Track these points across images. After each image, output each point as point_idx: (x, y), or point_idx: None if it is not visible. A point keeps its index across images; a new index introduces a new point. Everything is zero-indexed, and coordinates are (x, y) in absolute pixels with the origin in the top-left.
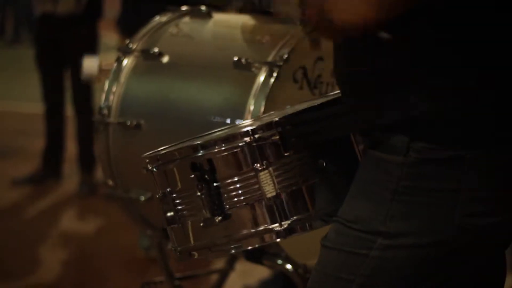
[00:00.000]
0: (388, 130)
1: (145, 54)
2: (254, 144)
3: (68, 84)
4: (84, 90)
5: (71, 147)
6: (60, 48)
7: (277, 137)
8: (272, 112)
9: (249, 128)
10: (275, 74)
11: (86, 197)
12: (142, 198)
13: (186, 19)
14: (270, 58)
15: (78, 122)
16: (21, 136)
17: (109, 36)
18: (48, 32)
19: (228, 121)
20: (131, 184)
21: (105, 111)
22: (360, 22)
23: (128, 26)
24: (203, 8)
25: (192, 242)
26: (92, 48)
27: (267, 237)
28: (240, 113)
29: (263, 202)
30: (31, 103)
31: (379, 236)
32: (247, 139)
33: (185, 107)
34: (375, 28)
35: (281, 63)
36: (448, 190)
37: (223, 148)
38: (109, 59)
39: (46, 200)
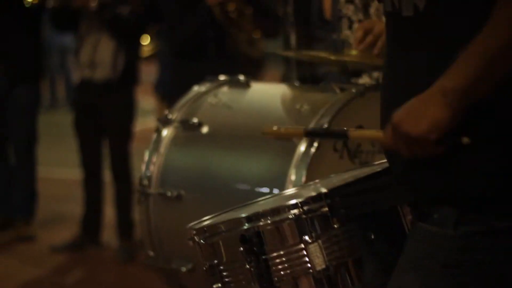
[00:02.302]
0: (436, 202)
1: (185, 124)
2: (304, 216)
3: (106, 150)
4: (122, 156)
5: (109, 213)
6: (98, 114)
7: (326, 209)
8: (317, 181)
9: (297, 201)
10: (315, 144)
11: (125, 263)
12: (184, 269)
13: (225, 88)
14: (310, 128)
15: (116, 188)
16: (60, 202)
17: (146, 100)
18: (86, 98)
19: (269, 190)
20: (172, 255)
21: (146, 182)
22: (436, 128)
23: (166, 91)
24: (241, 77)
25: None
26: (129, 113)
27: None
28: (281, 183)
29: (312, 275)
30: (69, 169)
31: None
32: (296, 211)
33: (226, 177)
34: (451, 133)
35: (322, 133)
36: (501, 262)
37: (272, 221)
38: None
39: (85, 267)
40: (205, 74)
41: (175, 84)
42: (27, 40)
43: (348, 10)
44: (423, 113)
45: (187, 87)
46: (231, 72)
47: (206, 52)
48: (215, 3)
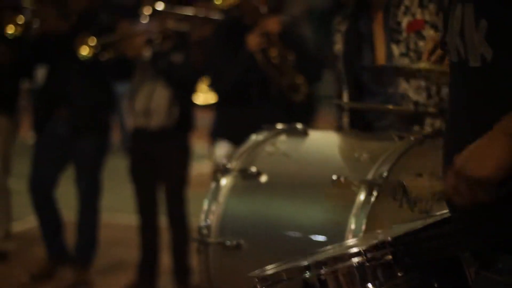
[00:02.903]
0: (500, 250)
1: (243, 173)
2: (367, 264)
3: (162, 196)
4: (178, 202)
5: (165, 259)
6: (154, 161)
7: (390, 256)
8: (378, 231)
9: (361, 248)
10: (375, 193)
11: None
12: None
13: (283, 137)
14: (369, 176)
15: (173, 234)
16: (116, 247)
17: (201, 145)
18: (141, 145)
19: (329, 239)
20: None
21: (205, 231)
22: (500, 169)
23: (221, 136)
24: (298, 126)
25: None
26: (184, 159)
27: None
28: (341, 232)
29: None
30: (125, 214)
31: None
32: (359, 259)
33: (285, 226)
34: None
35: (380, 182)
36: None
37: (334, 269)
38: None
39: None
40: (250, 119)
41: (222, 130)
42: (92, 90)
43: (404, 63)
44: (486, 154)
45: (232, 133)
46: (277, 117)
47: (250, 98)
48: (257, 49)
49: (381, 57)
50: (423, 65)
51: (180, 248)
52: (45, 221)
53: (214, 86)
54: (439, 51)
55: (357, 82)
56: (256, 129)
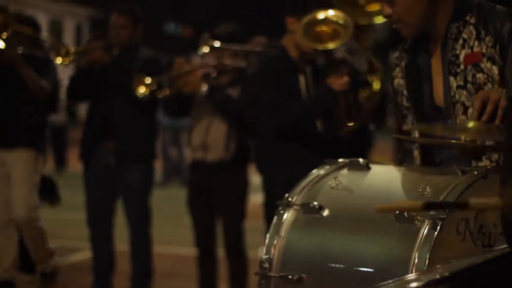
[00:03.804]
0: None
1: (305, 207)
2: None
3: (219, 228)
4: (236, 234)
5: None
6: (211, 193)
7: None
8: (437, 266)
9: (419, 284)
10: (438, 227)
11: None
12: None
13: (344, 171)
14: (433, 211)
15: (231, 266)
16: (174, 279)
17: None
18: (199, 178)
19: (392, 274)
20: None
21: (266, 265)
22: None
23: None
24: (360, 160)
25: None
26: (242, 192)
27: None
28: (404, 267)
29: None
30: (183, 246)
31: None
32: None
33: (347, 260)
34: None
35: (444, 216)
36: None
37: None
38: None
39: None
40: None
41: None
42: (140, 122)
43: (461, 95)
44: None
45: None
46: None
47: (310, 133)
48: (341, 90)
49: (439, 90)
50: (471, 124)
51: (238, 279)
52: (98, 255)
53: (272, 121)
54: (489, 108)
55: (419, 116)
56: (316, 163)
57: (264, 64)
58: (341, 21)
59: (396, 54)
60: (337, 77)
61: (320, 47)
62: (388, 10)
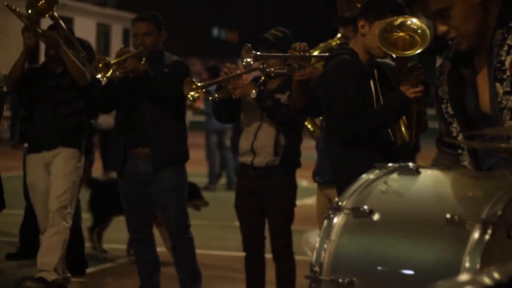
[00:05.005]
0: None
1: (356, 211)
2: None
3: (267, 231)
4: (284, 237)
5: None
6: (259, 197)
7: None
8: (491, 268)
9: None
10: (489, 231)
11: None
12: None
13: (394, 175)
14: (483, 215)
15: (278, 268)
16: (223, 281)
17: (306, 181)
18: (247, 182)
19: (442, 279)
20: None
21: (317, 268)
22: None
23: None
24: (410, 164)
25: None
26: (290, 196)
27: None
28: (455, 271)
29: None
30: (231, 250)
31: None
32: None
33: (397, 264)
34: None
35: (495, 220)
36: None
37: None
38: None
39: None
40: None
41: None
42: (171, 126)
43: (508, 101)
44: None
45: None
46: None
47: (383, 139)
48: (414, 98)
49: (485, 96)
50: None
51: (285, 282)
52: (142, 261)
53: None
54: None
55: (466, 123)
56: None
57: (338, 67)
58: (418, 29)
59: (440, 61)
60: (411, 85)
61: (397, 53)
62: (443, 28)
